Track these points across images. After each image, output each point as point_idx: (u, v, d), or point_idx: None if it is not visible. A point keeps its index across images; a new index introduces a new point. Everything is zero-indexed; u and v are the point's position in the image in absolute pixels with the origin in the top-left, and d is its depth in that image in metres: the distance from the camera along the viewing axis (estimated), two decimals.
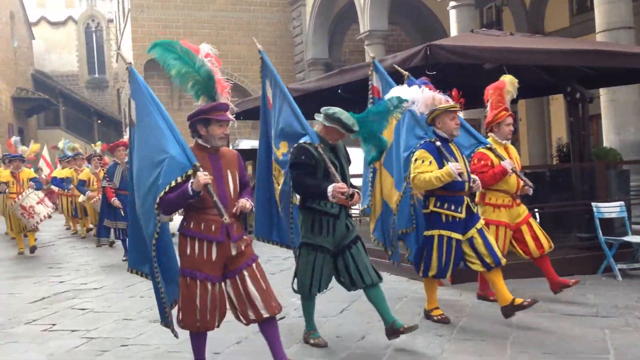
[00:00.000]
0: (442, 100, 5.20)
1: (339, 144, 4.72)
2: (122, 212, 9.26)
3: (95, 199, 11.45)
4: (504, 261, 5.17)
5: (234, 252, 3.93)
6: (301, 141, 4.62)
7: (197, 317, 3.91)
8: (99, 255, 10.48)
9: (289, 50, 25.39)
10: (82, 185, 12.12)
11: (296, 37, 24.51)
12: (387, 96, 5.03)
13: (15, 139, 14.11)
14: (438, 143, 5.08)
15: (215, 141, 3.95)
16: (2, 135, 29.60)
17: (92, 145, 14.49)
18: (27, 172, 11.34)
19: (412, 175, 5.09)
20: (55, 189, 14.79)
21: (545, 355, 4.36)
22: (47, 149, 19.07)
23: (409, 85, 5.47)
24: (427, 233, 5.21)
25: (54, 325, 5.77)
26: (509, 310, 5.03)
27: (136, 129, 4.12)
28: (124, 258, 9.20)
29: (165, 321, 4.23)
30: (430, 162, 5.00)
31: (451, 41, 8.11)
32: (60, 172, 14.60)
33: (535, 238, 5.80)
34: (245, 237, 4.07)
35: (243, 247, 3.98)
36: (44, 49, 40.54)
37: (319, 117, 4.60)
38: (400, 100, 4.74)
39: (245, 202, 3.97)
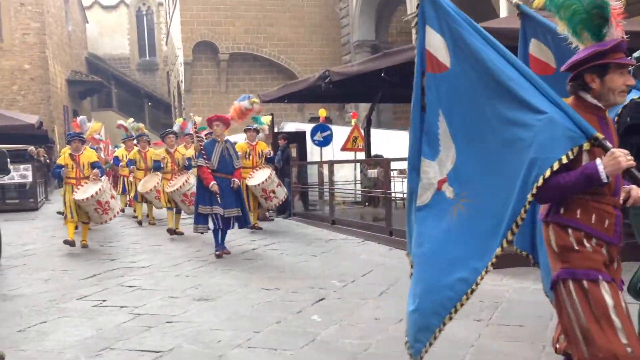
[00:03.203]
0: None
1: None
2: (218, 198, 8.18)
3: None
4: None
5: (615, 265, 2.80)
6: (635, 97, 3.53)
7: (622, 341, 2.54)
8: (147, 235, 10.83)
9: (336, 32, 25.35)
10: (132, 165, 12.07)
11: (343, 19, 24.44)
12: None
13: (81, 117, 11.72)
14: None
15: (615, 96, 2.73)
16: (57, 117, 30.61)
17: (191, 115, 10.84)
18: (87, 155, 9.50)
19: None
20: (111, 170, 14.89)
21: None
22: (104, 129, 19.43)
23: None
24: None
25: (104, 301, 6.02)
26: None
27: (449, 74, 2.96)
28: (217, 252, 8.26)
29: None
30: None
31: (496, 23, 7.99)
32: (122, 152, 13.84)
33: None
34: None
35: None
36: (97, 33, 41.61)
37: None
38: None
39: None
